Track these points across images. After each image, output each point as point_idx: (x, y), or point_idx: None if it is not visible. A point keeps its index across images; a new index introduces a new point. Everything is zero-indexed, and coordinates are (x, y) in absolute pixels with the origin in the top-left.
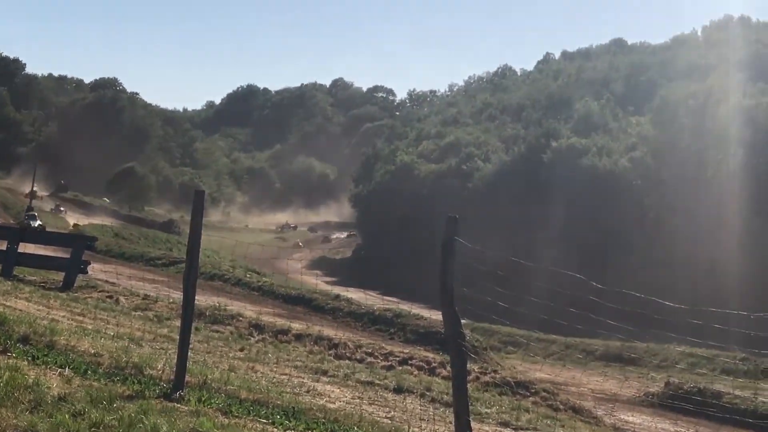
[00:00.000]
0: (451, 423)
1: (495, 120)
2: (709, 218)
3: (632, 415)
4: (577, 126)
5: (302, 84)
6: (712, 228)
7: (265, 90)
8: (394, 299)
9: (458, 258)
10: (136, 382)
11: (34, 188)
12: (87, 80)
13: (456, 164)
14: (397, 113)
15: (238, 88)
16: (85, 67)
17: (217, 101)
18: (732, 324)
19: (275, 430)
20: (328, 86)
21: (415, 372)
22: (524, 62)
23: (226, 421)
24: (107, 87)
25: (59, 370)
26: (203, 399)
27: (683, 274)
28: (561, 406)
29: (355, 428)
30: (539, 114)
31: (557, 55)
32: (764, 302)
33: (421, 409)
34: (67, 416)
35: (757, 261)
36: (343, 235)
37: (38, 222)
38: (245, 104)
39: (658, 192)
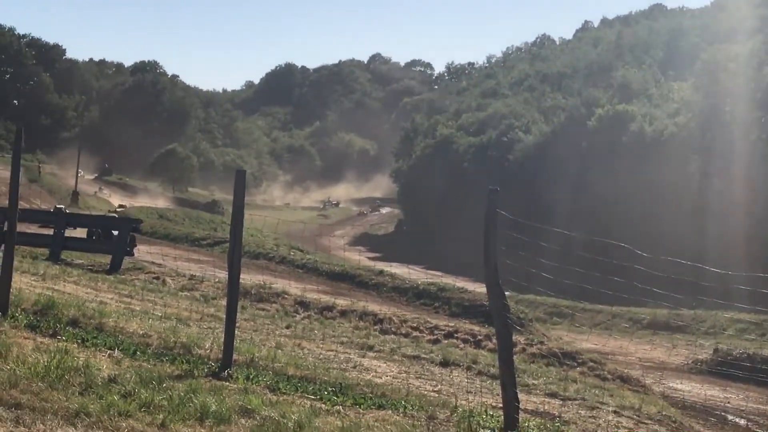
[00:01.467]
0: (498, 395)
1: (534, 90)
2: (754, 182)
3: (681, 383)
4: (618, 93)
5: (340, 60)
6: (757, 193)
7: (303, 68)
8: (438, 273)
9: (500, 230)
10: (184, 361)
11: (79, 172)
12: (127, 64)
13: (496, 136)
14: (436, 87)
15: (276, 67)
16: (125, 50)
17: (256, 81)
18: None
19: (323, 405)
20: (365, 62)
21: (461, 345)
22: (563, 31)
23: (275, 398)
24: (147, 70)
25: (108, 351)
26: (251, 377)
27: (730, 240)
28: (609, 376)
29: (403, 402)
30: (579, 83)
31: (596, 23)
32: None
33: (467, 382)
34: (116, 397)
35: None
36: (385, 210)
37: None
38: (284, 83)
39: (703, 158)
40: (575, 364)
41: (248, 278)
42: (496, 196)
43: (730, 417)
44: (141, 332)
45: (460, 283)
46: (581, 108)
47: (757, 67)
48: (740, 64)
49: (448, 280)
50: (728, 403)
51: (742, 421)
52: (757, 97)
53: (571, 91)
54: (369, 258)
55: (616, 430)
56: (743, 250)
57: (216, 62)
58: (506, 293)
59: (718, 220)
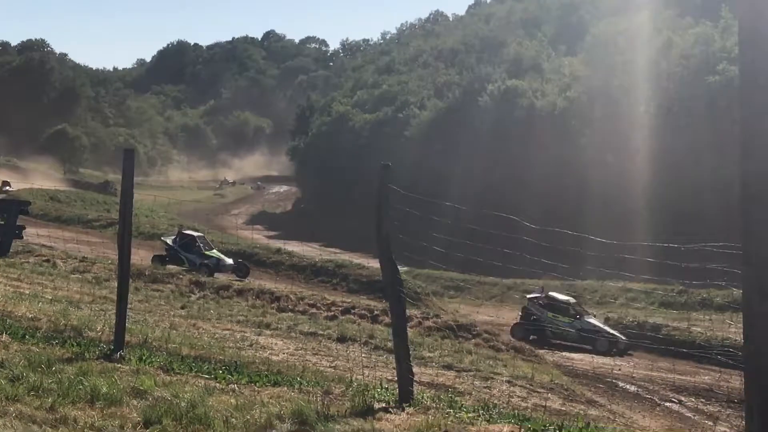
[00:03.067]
0: (394, 369)
1: (428, 67)
2: (642, 154)
3: (573, 352)
4: (510, 69)
5: (233, 38)
6: (645, 164)
7: (197, 46)
8: (336, 250)
9: (394, 205)
10: (75, 344)
11: None
12: (13, 43)
13: (392, 113)
14: (331, 64)
15: (168, 44)
16: (10, 29)
17: (148, 59)
18: (666, 257)
19: (218, 384)
20: (260, 39)
21: (358, 321)
22: (456, 7)
23: (168, 378)
24: (34, 49)
25: None
26: (144, 358)
27: (622, 211)
28: (503, 347)
29: (299, 378)
30: (473, 59)
31: None
32: (698, 235)
33: (364, 357)
34: (4, 381)
35: (689, 195)
36: (282, 188)
37: None
38: (177, 61)
39: (594, 131)
40: (470, 336)
41: (141, 259)
42: (388, 171)
43: (620, 383)
44: (30, 316)
45: (358, 259)
46: (475, 84)
47: (645, 40)
48: (629, 37)
49: (346, 257)
50: (618, 370)
51: (632, 387)
52: (646, 71)
53: (465, 67)
54: (267, 237)
55: (509, 399)
56: (635, 221)
57: (106, 40)
58: (403, 268)
59: (609, 192)
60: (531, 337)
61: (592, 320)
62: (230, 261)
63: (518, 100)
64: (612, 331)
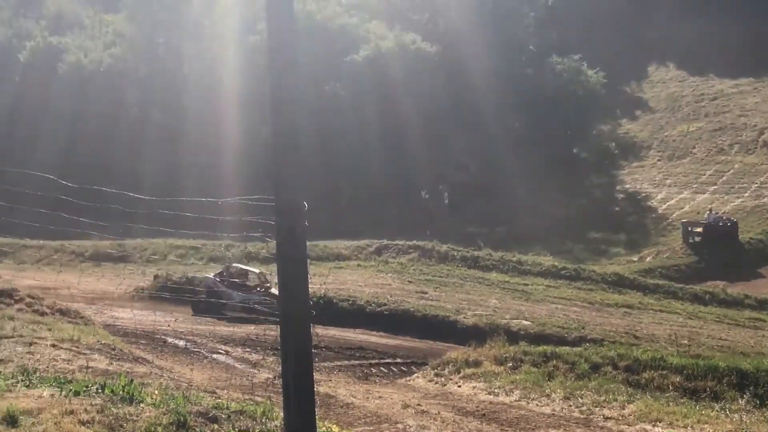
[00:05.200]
0: None
1: None
2: (188, 112)
3: (123, 311)
4: (51, 25)
5: None
6: (192, 121)
7: None
8: None
9: None
10: None
11: None
12: None
13: None
14: None
15: None
16: None
17: None
18: (208, 213)
19: None
20: None
21: None
22: None
23: None
24: None
25: None
26: None
27: (168, 168)
28: (47, 310)
29: None
30: (9, 13)
31: None
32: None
33: None
34: None
35: (233, 151)
36: None
37: None
38: None
39: (141, 89)
40: (12, 302)
41: None
42: None
43: (169, 339)
44: None
45: None
46: (13, 39)
47: None
48: None
49: None
50: (168, 326)
51: (181, 342)
52: (188, 29)
53: (0, 21)
54: None
55: (52, 363)
56: (181, 178)
57: None
58: None
59: (157, 151)
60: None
61: (274, 290)
62: None
63: (63, 57)
64: None
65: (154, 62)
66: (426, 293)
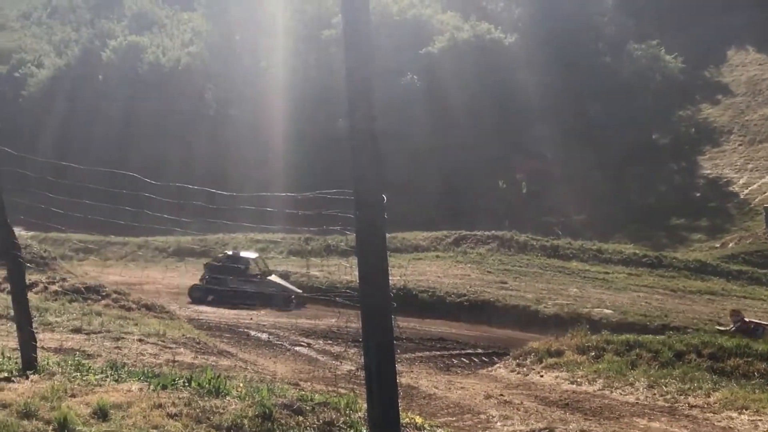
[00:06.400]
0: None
1: (43, 24)
2: (265, 107)
3: (206, 306)
4: (132, 24)
5: None
6: (268, 117)
7: None
8: None
9: (5, 167)
10: None
11: None
12: None
13: (7, 72)
14: None
15: None
16: None
17: None
18: (289, 207)
19: None
20: None
21: None
22: None
23: None
24: None
25: None
26: None
27: (249, 164)
28: (133, 306)
29: None
30: (91, 15)
31: None
32: (325, 186)
33: None
34: None
35: (312, 148)
36: None
37: None
38: None
39: (218, 86)
40: (99, 298)
41: None
42: None
43: (252, 332)
44: None
45: None
46: (95, 40)
47: None
48: None
49: None
50: (251, 319)
51: (264, 335)
52: (264, 25)
53: (82, 23)
54: None
55: (139, 357)
56: (261, 173)
57: None
58: (29, 233)
59: (236, 147)
60: (209, 297)
61: (271, 278)
62: None
63: (142, 56)
64: (290, 286)
65: (231, 59)
66: (506, 283)
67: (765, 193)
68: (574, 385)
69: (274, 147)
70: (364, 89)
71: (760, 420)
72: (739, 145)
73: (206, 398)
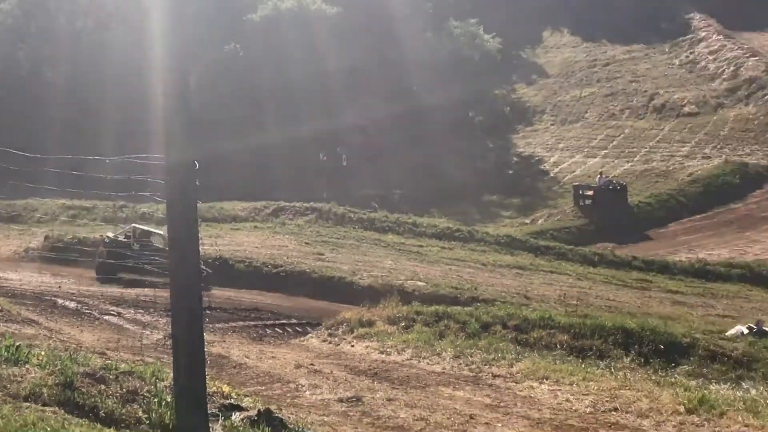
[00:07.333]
0: None
1: None
2: (83, 67)
3: (14, 272)
4: None
5: None
6: (87, 78)
7: None
8: None
9: None
10: None
11: None
12: None
13: None
14: None
15: None
16: None
17: None
18: (97, 172)
19: None
20: None
21: None
22: None
23: None
24: None
25: None
26: None
27: (60, 127)
28: None
29: None
30: None
31: None
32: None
33: None
34: None
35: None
36: None
37: None
38: None
39: (31, 45)
40: None
41: None
42: None
43: (60, 301)
44: None
45: None
46: None
47: None
48: None
49: None
50: (59, 287)
51: (72, 304)
52: None
53: None
54: None
55: None
56: (76, 138)
57: None
58: None
59: (46, 107)
60: (119, 274)
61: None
62: None
63: None
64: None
65: (45, 18)
66: (322, 255)
67: (574, 171)
68: (384, 355)
69: (89, 111)
70: (179, 53)
71: (560, 390)
72: (551, 124)
73: (4, 366)
